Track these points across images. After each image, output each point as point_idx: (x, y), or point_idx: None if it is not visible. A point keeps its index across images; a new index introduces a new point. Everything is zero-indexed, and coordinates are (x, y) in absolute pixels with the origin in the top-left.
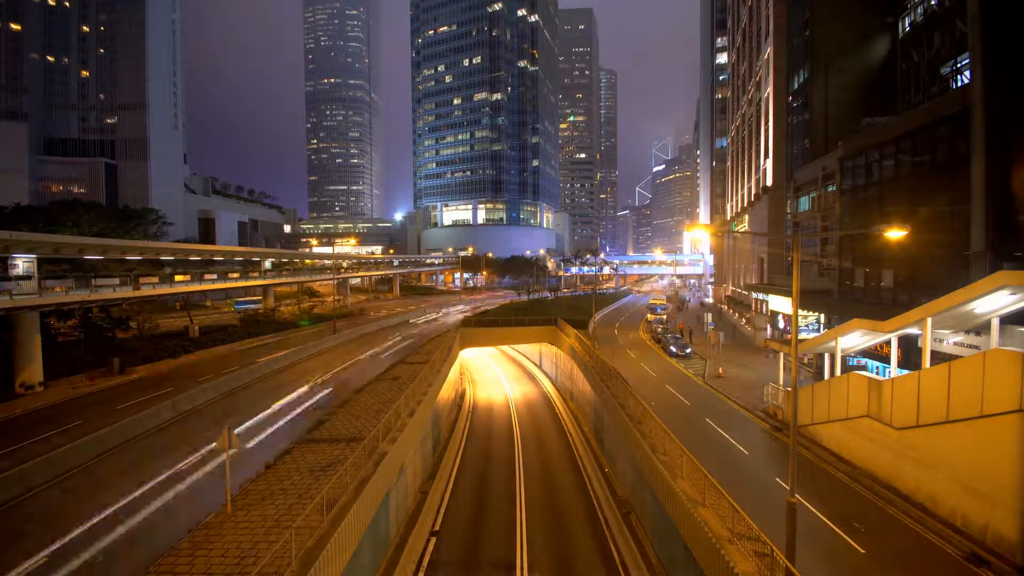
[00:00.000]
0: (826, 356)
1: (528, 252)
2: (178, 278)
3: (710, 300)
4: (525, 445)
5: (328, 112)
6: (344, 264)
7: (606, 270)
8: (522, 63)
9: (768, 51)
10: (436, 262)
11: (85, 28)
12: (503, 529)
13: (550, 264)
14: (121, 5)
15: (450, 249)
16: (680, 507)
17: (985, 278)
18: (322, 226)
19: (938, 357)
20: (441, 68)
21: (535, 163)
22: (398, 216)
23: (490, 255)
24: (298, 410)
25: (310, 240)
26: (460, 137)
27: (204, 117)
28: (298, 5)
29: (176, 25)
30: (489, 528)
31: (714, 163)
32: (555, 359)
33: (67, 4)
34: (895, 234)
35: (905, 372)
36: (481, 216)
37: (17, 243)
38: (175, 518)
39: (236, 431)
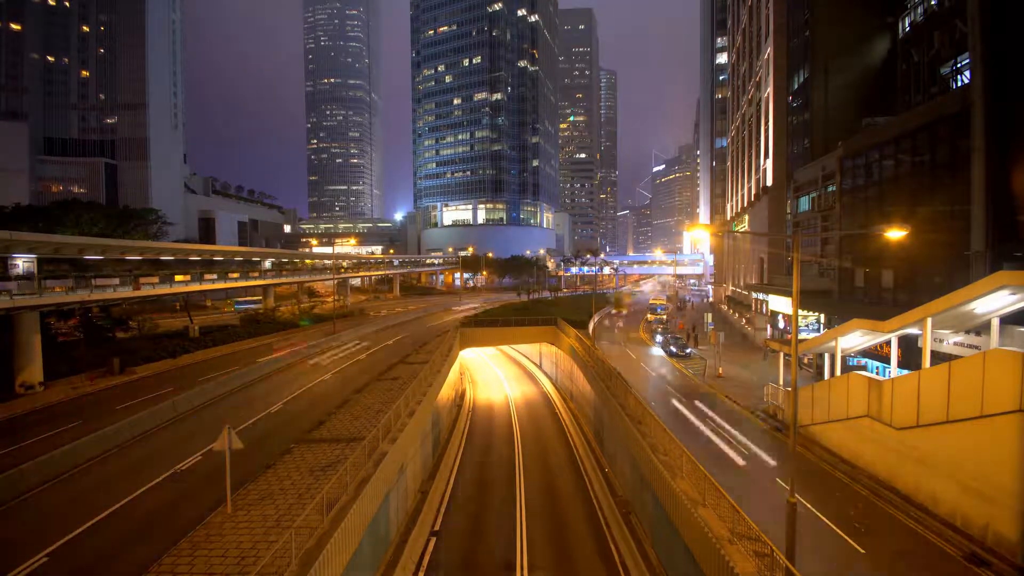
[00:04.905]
0: (826, 356)
1: (528, 252)
2: (178, 278)
3: (710, 299)
4: (525, 445)
5: (328, 112)
6: (344, 264)
7: (606, 270)
8: (522, 63)
9: (768, 51)
10: (436, 262)
11: (85, 28)
12: (503, 529)
13: (550, 264)
14: (121, 5)
15: (450, 249)
16: (680, 507)
17: (985, 278)
18: (322, 226)
19: (938, 357)
20: (441, 68)
21: (535, 163)
22: (398, 216)
23: (490, 255)
24: None
25: (310, 240)
26: (460, 137)
27: (204, 117)
28: (298, 5)
29: (176, 25)
30: (489, 528)
31: (714, 163)
32: (555, 359)
33: (67, 4)
34: (895, 234)
35: (905, 372)
36: (481, 216)
37: (17, 243)
38: (175, 518)
39: None
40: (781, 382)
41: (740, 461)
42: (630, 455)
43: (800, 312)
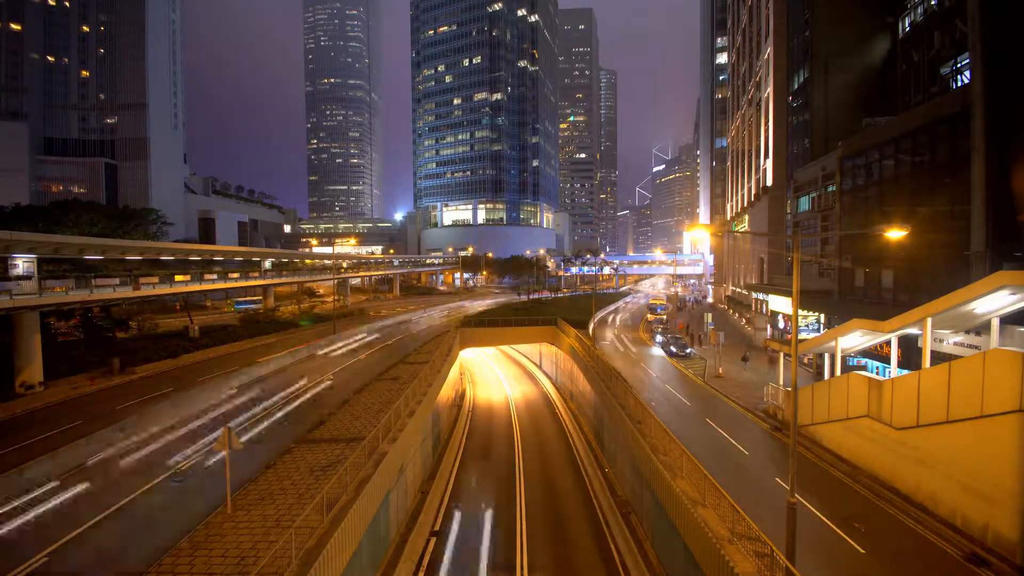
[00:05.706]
0: (826, 356)
1: (528, 252)
2: (178, 278)
3: (710, 300)
4: (525, 445)
5: (328, 112)
6: (344, 264)
7: (606, 270)
8: (522, 63)
9: (768, 51)
10: (436, 262)
11: (85, 28)
12: (503, 529)
13: (550, 264)
14: (121, 5)
15: (450, 249)
16: (680, 507)
17: (985, 278)
18: (322, 226)
19: (938, 357)
20: (441, 68)
21: (535, 163)
22: (398, 216)
23: (490, 255)
24: None
25: (310, 240)
26: (460, 137)
27: (204, 117)
28: (298, 5)
29: (176, 25)
30: (489, 528)
31: (714, 163)
32: (555, 359)
33: (67, 4)
34: (895, 234)
35: (905, 372)
36: (481, 216)
37: (17, 243)
38: (175, 518)
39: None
40: (781, 382)
41: (740, 461)
42: (630, 455)
43: (800, 312)
